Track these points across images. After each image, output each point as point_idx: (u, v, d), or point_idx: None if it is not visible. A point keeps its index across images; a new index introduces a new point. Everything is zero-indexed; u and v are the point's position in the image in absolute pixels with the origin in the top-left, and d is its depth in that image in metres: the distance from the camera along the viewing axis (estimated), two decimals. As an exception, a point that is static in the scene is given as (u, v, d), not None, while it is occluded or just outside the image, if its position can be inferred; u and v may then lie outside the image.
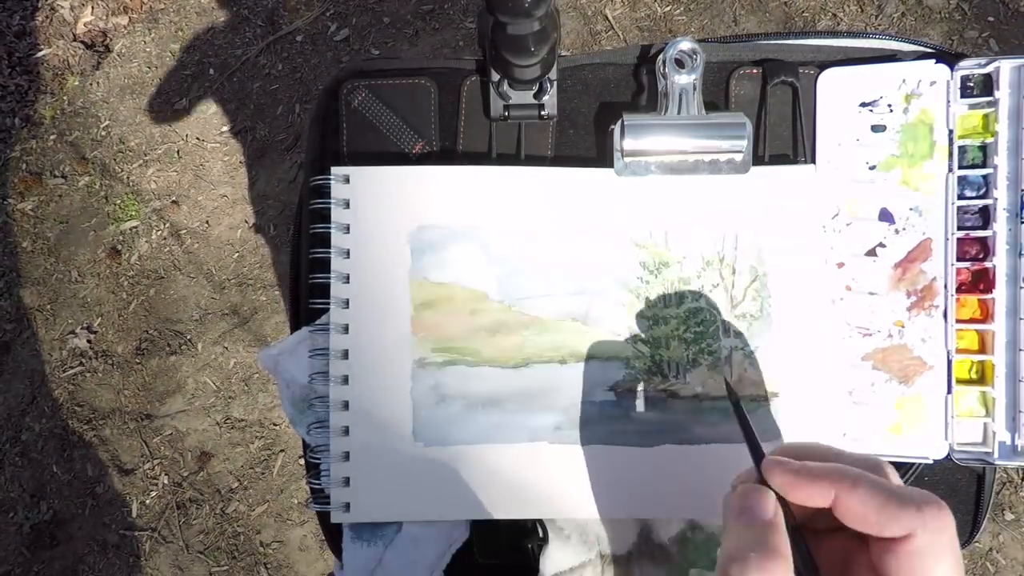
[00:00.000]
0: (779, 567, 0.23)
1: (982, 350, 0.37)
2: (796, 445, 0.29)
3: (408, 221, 0.37)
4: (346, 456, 0.36)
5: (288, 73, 1.26)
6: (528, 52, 0.33)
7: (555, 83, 0.38)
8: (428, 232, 0.37)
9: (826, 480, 0.25)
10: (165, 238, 1.22)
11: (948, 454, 0.37)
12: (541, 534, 0.37)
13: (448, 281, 0.37)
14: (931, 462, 0.37)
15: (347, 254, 0.37)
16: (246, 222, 1.22)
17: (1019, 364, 0.36)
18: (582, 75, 0.39)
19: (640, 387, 0.37)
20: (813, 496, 0.25)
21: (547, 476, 0.37)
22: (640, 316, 0.37)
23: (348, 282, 0.37)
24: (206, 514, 1.13)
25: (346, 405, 0.37)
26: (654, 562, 0.37)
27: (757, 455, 0.28)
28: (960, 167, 0.37)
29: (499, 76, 0.37)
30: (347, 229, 0.37)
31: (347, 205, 0.37)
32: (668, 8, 1.23)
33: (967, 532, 0.40)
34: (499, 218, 0.37)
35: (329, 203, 0.37)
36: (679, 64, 0.36)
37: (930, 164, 0.37)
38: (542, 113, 0.38)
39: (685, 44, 0.36)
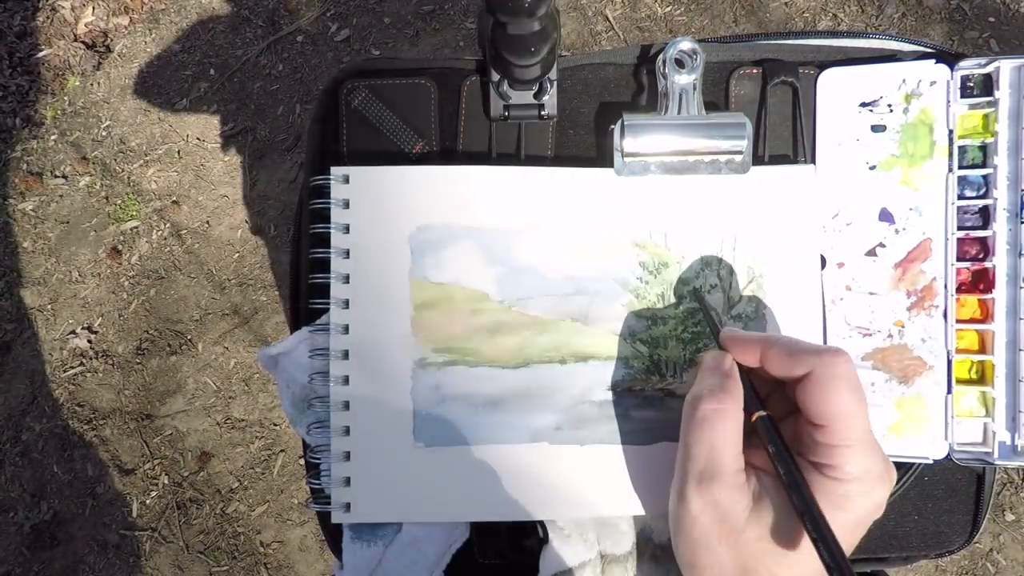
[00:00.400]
0: (731, 400, 0.30)
1: (982, 350, 0.37)
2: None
3: (408, 221, 0.37)
4: (347, 456, 0.37)
5: (288, 73, 1.26)
6: (528, 52, 0.33)
7: (555, 83, 0.38)
8: (428, 232, 0.37)
9: (755, 341, 0.32)
10: (166, 238, 1.22)
11: (948, 454, 0.37)
12: (541, 534, 0.37)
13: (448, 281, 0.37)
14: (931, 462, 0.37)
15: (347, 254, 0.37)
16: (246, 222, 1.22)
17: (1019, 364, 0.36)
18: (582, 75, 0.39)
19: (638, 387, 0.37)
20: (747, 353, 0.32)
21: (547, 476, 0.37)
22: (639, 316, 0.37)
23: (348, 282, 0.37)
24: (206, 514, 1.13)
25: (346, 405, 0.37)
26: (654, 562, 0.37)
27: (715, 330, 0.35)
28: (960, 167, 0.37)
29: (499, 76, 0.37)
30: (347, 229, 0.37)
31: (347, 205, 0.37)
32: (668, 8, 1.23)
33: (967, 532, 0.40)
34: (499, 218, 0.37)
35: (329, 203, 0.37)
36: (679, 64, 0.36)
37: (930, 164, 0.37)
38: (542, 113, 0.38)
39: (685, 44, 0.36)
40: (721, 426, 0.30)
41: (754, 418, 0.31)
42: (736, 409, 0.30)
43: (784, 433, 0.31)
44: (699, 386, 0.32)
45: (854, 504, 0.28)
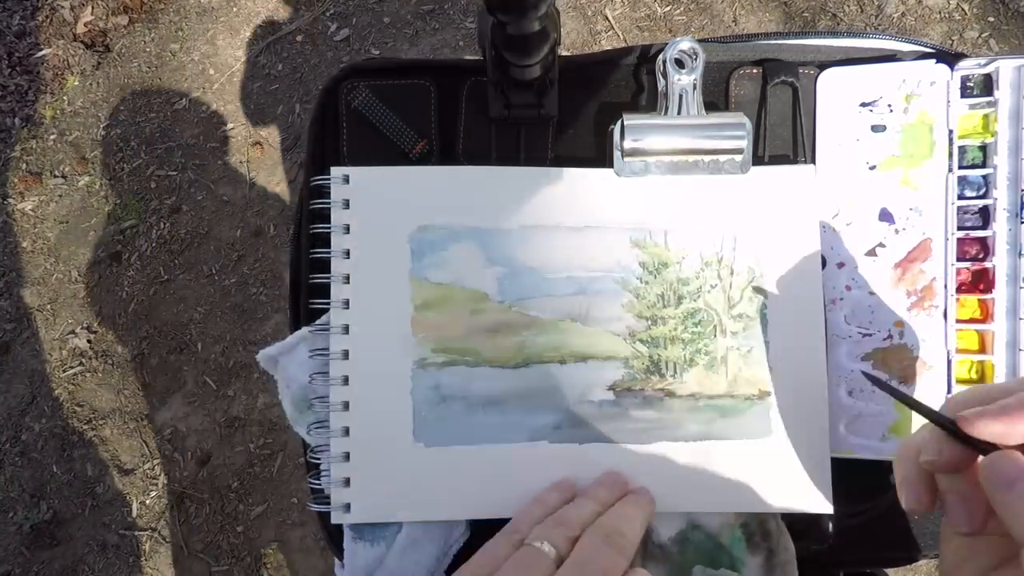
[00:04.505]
0: None
1: (982, 350, 0.37)
2: (960, 394, 0.27)
3: (408, 221, 0.37)
4: (346, 456, 0.37)
5: (288, 73, 1.26)
6: (528, 52, 0.33)
7: (555, 83, 0.37)
8: (428, 232, 0.37)
9: (1014, 410, 0.23)
10: (165, 238, 1.22)
11: (948, 454, 0.37)
12: (541, 534, 0.37)
13: (448, 281, 0.37)
14: (931, 462, 0.37)
15: (347, 254, 0.37)
16: (246, 222, 1.22)
17: (1019, 364, 0.36)
18: (582, 75, 0.39)
19: (638, 386, 0.37)
20: (1011, 427, 0.23)
21: (547, 476, 0.37)
22: (639, 316, 0.37)
23: (348, 282, 0.37)
24: (206, 514, 1.13)
25: (346, 406, 0.37)
26: (654, 562, 0.37)
27: (942, 420, 0.25)
28: (960, 167, 0.37)
29: (499, 76, 0.37)
30: (347, 229, 0.37)
31: (347, 205, 0.37)
32: (668, 8, 1.23)
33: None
34: (499, 218, 0.37)
35: (329, 203, 0.37)
36: (679, 64, 0.36)
37: (930, 164, 0.37)
38: (542, 113, 0.38)
39: (685, 44, 0.36)
40: None
41: None
42: None
43: None
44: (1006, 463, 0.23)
45: None
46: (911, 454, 0.26)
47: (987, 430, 0.23)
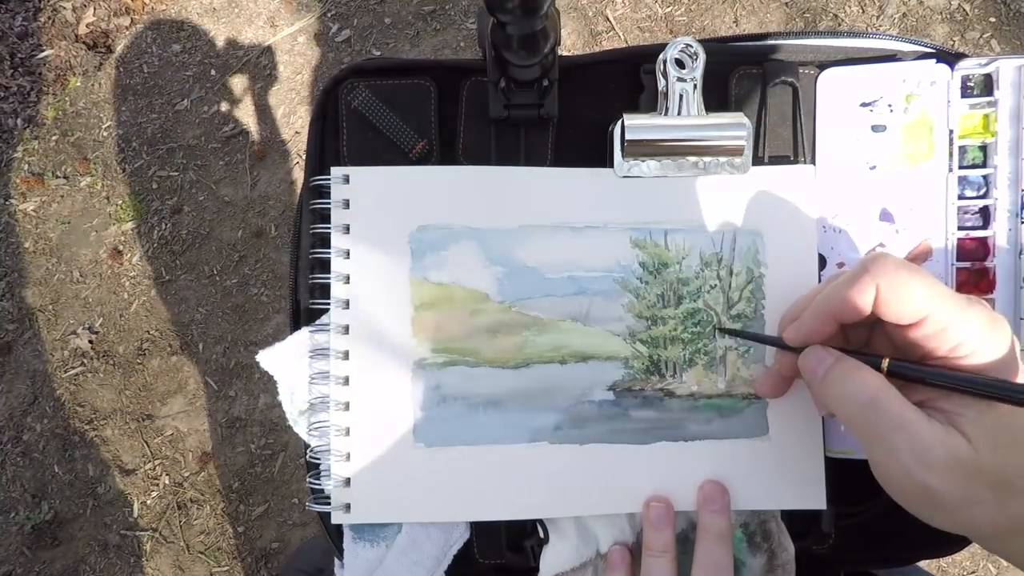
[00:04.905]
0: (862, 370, 0.29)
1: (982, 350, 0.37)
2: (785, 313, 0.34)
3: (408, 221, 0.37)
4: (347, 457, 0.37)
5: (289, 74, 1.27)
6: (528, 52, 0.33)
7: (555, 83, 0.38)
8: (428, 232, 0.37)
9: (815, 319, 0.31)
10: (166, 238, 1.22)
11: (948, 454, 0.37)
12: (541, 534, 0.37)
13: (448, 281, 0.37)
14: (931, 462, 0.37)
15: (347, 254, 0.37)
16: (247, 223, 1.22)
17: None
18: (582, 75, 0.39)
19: (638, 386, 0.37)
20: (820, 333, 0.31)
21: (547, 476, 0.37)
22: (639, 316, 0.37)
23: (348, 283, 0.37)
24: (207, 514, 1.13)
25: (347, 406, 0.37)
26: (654, 562, 0.37)
27: (775, 341, 0.34)
28: (960, 167, 0.37)
29: (499, 76, 0.37)
30: (347, 229, 0.37)
31: (347, 205, 0.37)
32: (668, 8, 1.23)
33: (968, 532, 0.40)
34: (499, 218, 0.37)
35: (329, 203, 0.37)
36: (679, 64, 0.36)
37: (930, 164, 0.37)
38: (542, 113, 0.38)
39: (685, 44, 0.36)
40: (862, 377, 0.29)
41: (885, 369, 0.29)
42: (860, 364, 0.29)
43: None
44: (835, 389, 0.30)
45: (1005, 365, 0.28)
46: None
47: (791, 342, 0.32)
